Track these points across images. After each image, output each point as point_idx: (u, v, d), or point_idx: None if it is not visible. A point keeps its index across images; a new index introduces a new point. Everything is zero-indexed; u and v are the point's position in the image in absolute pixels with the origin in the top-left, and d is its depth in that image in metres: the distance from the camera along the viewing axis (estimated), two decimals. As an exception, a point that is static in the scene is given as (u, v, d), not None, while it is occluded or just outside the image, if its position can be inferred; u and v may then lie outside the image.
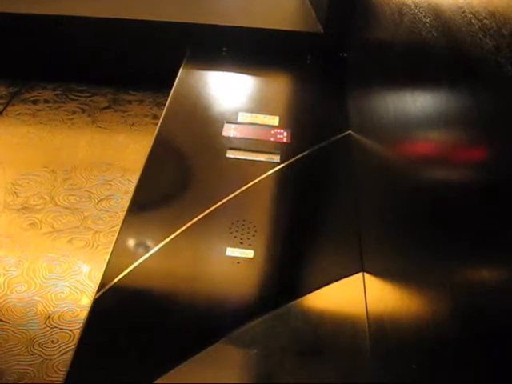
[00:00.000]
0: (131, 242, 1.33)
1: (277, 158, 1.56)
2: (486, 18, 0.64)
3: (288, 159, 1.57)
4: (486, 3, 0.65)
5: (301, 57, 2.05)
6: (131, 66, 2.29)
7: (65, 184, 1.88)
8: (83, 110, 2.22)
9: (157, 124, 1.69)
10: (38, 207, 1.80)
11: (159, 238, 1.32)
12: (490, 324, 0.59)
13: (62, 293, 1.54)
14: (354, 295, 1.24)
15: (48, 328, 1.46)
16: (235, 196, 1.43)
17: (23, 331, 1.45)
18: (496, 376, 0.57)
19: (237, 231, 1.34)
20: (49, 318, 1.48)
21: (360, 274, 1.27)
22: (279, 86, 1.98)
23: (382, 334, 1.07)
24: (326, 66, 2.04)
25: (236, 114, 1.73)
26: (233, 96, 1.82)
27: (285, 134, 1.66)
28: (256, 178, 1.49)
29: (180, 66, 1.96)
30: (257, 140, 1.63)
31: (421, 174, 0.92)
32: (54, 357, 1.41)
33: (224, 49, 2.06)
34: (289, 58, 2.03)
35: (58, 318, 1.49)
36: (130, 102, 2.28)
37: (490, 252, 0.61)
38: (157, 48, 2.19)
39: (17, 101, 2.25)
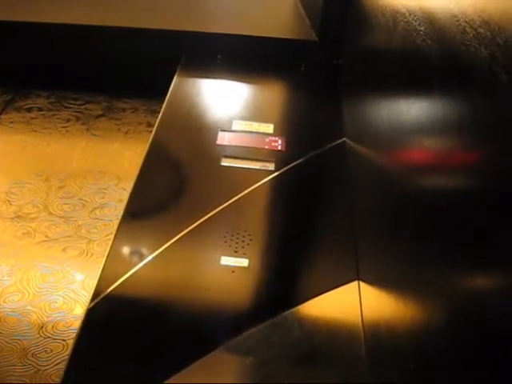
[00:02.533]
0: (125, 251, 1.32)
1: (271, 166, 1.56)
2: (480, 26, 0.65)
3: (283, 167, 1.56)
4: (481, 12, 0.65)
5: (295, 64, 2.05)
6: (125, 74, 2.29)
7: (59, 192, 1.88)
8: (77, 118, 2.21)
9: (151, 132, 1.69)
10: (32, 216, 1.79)
11: (153, 246, 1.31)
12: (485, 331, 0.59)
13: (56, 302, 1.53)
14: (350, 303, 1.23)
15: (41, 338, 1.45)
16: (230, 204, 1.42)
17: (16, 341, 1.44)
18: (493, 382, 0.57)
19: (231, 240, 1.34)
20: (42, 327, 1.47)
21: (355, 283, 1.26)
22: (274, 94, 1.98)
23: (377, 341, 1.07)
24: (320, 73, 2.04)
25: (230, 121, 1.73)
26: (227, 104, 1.82)
27: (279, 141, 1.66)
28: (251, 186, 1.48)
29: (174, 74, 1.96)
30: (251, 148, 1.63)
31: (416, 181, 0.92)
32: (48, 367, 1.40)
33: (218, 57, 2.06)
34: (283, 66, 2.04)
35: (52, 327, 1.48)
36: (124, 109, 2.27)
37: (486, 259, 0.61)
38: (151, 56, 2.19)
39: (10, 109, 2.25)
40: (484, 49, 0.62)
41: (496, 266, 0.58)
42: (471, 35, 0.67)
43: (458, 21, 0.73)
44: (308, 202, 1.50)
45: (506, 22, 0.58)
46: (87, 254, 1.67)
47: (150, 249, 1.31)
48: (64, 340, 1.45)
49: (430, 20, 0.87)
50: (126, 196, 1.49)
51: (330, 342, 1.18)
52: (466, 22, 0.69)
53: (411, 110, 0.94)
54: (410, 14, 0.99)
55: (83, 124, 2.19)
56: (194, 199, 1.48)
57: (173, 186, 1.53)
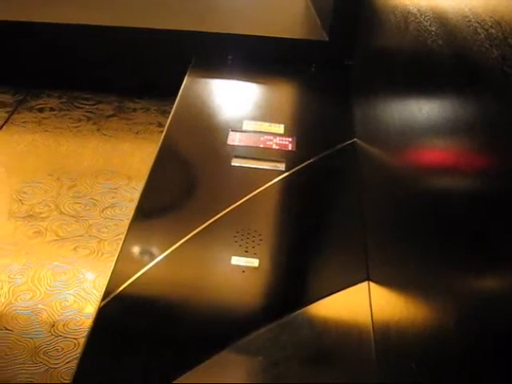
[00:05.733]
0: (136, 251, 1.33)
1: (282, 166, 1.56)
2: (491, 27, 0.64)
3: (293, 167, 1.56)
4: (492, 12, 0.65)
5: (306, 65, 2.05)
6: (136, 74, 2.30)
7: (70, 192, 1.89)
8: (88, 118, 2.23)
9: (162, 132, 1.69)
10: (43, 215, 1.80)
11: (164, 246, 1.32)
12: (496, 334, 0.58)
13: (67, 301, 1.54)
14: (360, 304, 1.23)
15: (53, 336, 1.46)
16: (240, 204, 1.43)
17: (28, 339, 1.45)
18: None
19: (242, 240, 1.34)
20: (53, 326, 1.48)
21: (365, 283, 1.26)
22: (284, 94, 1.98)
23: (387, 343, 1.07)
24: (331, 73, 2.04)
25: (241, 122, 1.73)
26: (238, 104, 1.82)
27: (290, 142, 1.66)
28: (261, 187, 1.48)
29: (185, 74, 1.97)
30: (262, 148, 1.63)
31: (426, 182, 0.91)
32: (59, 365, 1.40)
33: (229, 57, 2.07)
34: (294, 66, 2.04)
35: (63, 326, 1.48)
36: (135, 109, 2.28)
37: (497, 262, 0.60)
38: (162, 56, 2.19)
39: (22, 109, 2.26)
40: (495, 49, 0.62)
41: (507, 268, 0.58)
42: (482, 36, 0.67)
43: (469, 21, 0.72)
44: (318, 202, 1.50)
45: (518, 22, 0.58)
46: (98, 253, 1.68)
47: (160, 248, 1.31)
48: (75, 338, 1.46)
49: (441, 20, 0.87)
50: (136, 196, 1.49)
51: (340, 342, 1.18)
52: (478, 22, 0.69)
53: (422, 111, 0.94)
54: (421, 15, 0.99)
55: (94, 124, 2.20)
56: (204, 199, 1.49)
57: (183, 186, 1.54)
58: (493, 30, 0.64)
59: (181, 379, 1.07)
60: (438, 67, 0.88)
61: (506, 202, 0.59)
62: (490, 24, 0.65)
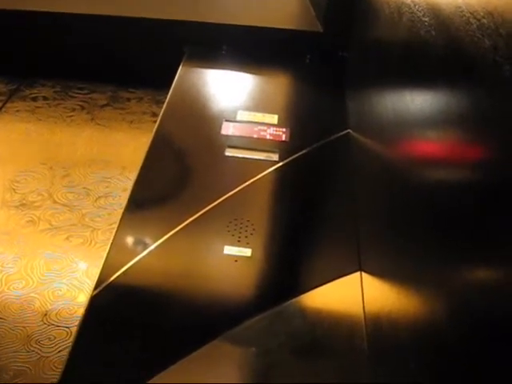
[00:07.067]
0: (129, 240, 1.33)
1: (275, 157, 1.56)
2: (484, 17, 0.64)
3: (287, 158, 1.56)
4: (485, 3, 0.65)
5: (300, 55, 2.05)
6: (131, 64, 2.29)
7: (63, 181, 1.88)
8: (82, 108, 2.22)
9: (156, 122, 1.69)
10: (36, 204, 1.79)
11: (157, 235, 1.32)
12: (487, 325, 0.59)
13: (60, 290, 1.54)
14: (352, 294, 1.24)
15: (45, 325, 1.46)
16: (233, 194, 1.43)
17: (20, 328, 1.45)
18: (494, 377, 0.57)
19: (235, 229, 1.34)
20: (46, 315, 1.48)
21: (358, 274, 1.27)
22: (278, 85, 1.97)
23: (379, 333, 1.07)
24: (325, 64, 2.04)
25: (235, 112, 1.73)
26: (232, 94, 1.82)
27: (283, 132, 1.66)
28: (254, 177, 1.49)
29: (179, 64, 1.96)
30: (256, 138, 1.63)
31: (419, 173, 0.92)
32: (51, 354, 1.41)
33: (223, 47, 2.06)
34: (288, 57, 2.03)
35: (55, 315, 1.49)
36: (129, 99, 2.27)
37: (489, 253, 0.61)
38: (156, 46, 2.18)
39: (16, 98, 2.25)
40: (487, 39, 0.62)
41: (499, 259, 0.58)
42: (475, 26, 0.67)
43: (461, 11, 0.73)
44: (311, 192, 1.50)
45: (510, 12, 0.58)
46: (91, 242, 1.68)
47: (153, 238, 1.31)
48: (67, 327, 1.46)
49: (434, 11, 0.87)
50: (130, 185, 1.49)
51: (332, 332, 1.18)
52: (470, 12, 0.69)
53: (415, 102, 0.94)
54: (414, 5, 0.99)
55: (88, 113, 2.19)
56: (197, 189, 1.49)
57: (177, 176, 1.53)
58: (485, 21, 0.64)
59: (173, 368, 1.07)
60: (430, 57, 0.88)
61: (497, 192, 0.59)
62: (482, 14, 0.65)
